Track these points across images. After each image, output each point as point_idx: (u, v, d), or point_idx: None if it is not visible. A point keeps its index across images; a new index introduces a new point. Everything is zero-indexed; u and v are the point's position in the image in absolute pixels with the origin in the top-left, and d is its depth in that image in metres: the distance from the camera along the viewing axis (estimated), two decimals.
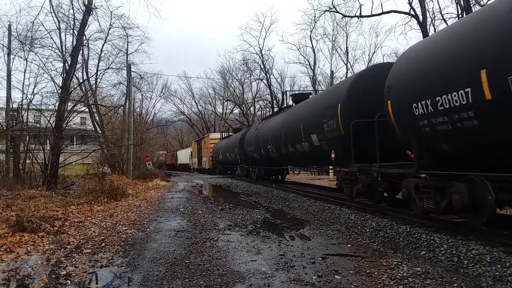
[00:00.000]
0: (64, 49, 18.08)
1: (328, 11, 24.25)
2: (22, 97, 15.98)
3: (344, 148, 8.58)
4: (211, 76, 64.94)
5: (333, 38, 38.13)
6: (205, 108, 54.37)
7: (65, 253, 5.27)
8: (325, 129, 9.47)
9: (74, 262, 4.82)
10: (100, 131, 24.21)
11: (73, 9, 17.44)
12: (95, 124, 24.96)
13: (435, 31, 19.93)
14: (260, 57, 40.34)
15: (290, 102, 16.05)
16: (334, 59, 41.40)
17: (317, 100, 11.53)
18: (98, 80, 24.23)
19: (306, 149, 11.30)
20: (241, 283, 3.95)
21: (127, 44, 24.92)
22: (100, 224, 7.58)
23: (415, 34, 58.44)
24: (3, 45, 16.64)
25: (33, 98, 15.69)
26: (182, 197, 13.40)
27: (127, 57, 25.49)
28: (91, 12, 16.36)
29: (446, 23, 18.65)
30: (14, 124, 15.87)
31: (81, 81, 22.56)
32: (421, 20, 17.35)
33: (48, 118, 15.39)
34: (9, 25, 16.32)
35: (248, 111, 46.27)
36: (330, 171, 22.92)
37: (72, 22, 17.67)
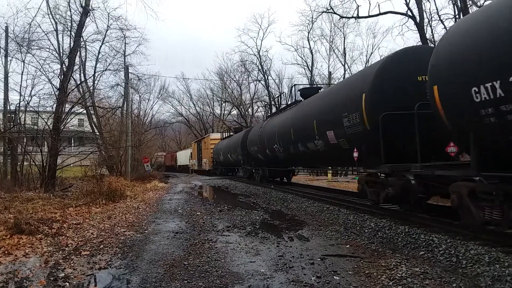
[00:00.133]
0: (61, 51, 18.15)
1: (325, 12, 24.27)
2: (20, 99, 16.09)
3: (370, 145, 7.54)
4: (209, 78, 64.90)
5: (331, 39, 38.37)
6: (203, 109, 54.52)
7: (64, 255, 5.25)
8: (344, 124, 8.25)
9: (72, 264, 4.80)
10: (98, 133, 24.19)
11: (70, 11, 17.52)
12: (93, 125, 24.95)
13: (432, 32, 20.01)
14: (258, 58, 40.53)
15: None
16: (332, 60, 41.83)
17: (334, 91, 10.28)
18: (96, 82, 24.35)
19: (319, 148, 10.12)
20: (240, 284, 3.95)
21: (125, 45, 25.07)
22: (98, 226, 7.56)
23: (412, 35, 58.81)
24: (0, 47, 16.65)
25: (30, 100, 15.79)
26: (181, 198, 13.37)
27: (124, 59, 25.61)
28: (89, 14, 16.40)
29: (443, 24, 18.70)
30: (12, 126, 15.86)
31: (78, 82, 22.60)
32: (418, 21, 17.36)
33: (46, 120, 15.37)
34: (6, 27, 16.35)
35: (246, 112, 46.36)
36: (329, 172, 22.76)
37: (70, 24, 17.76)
